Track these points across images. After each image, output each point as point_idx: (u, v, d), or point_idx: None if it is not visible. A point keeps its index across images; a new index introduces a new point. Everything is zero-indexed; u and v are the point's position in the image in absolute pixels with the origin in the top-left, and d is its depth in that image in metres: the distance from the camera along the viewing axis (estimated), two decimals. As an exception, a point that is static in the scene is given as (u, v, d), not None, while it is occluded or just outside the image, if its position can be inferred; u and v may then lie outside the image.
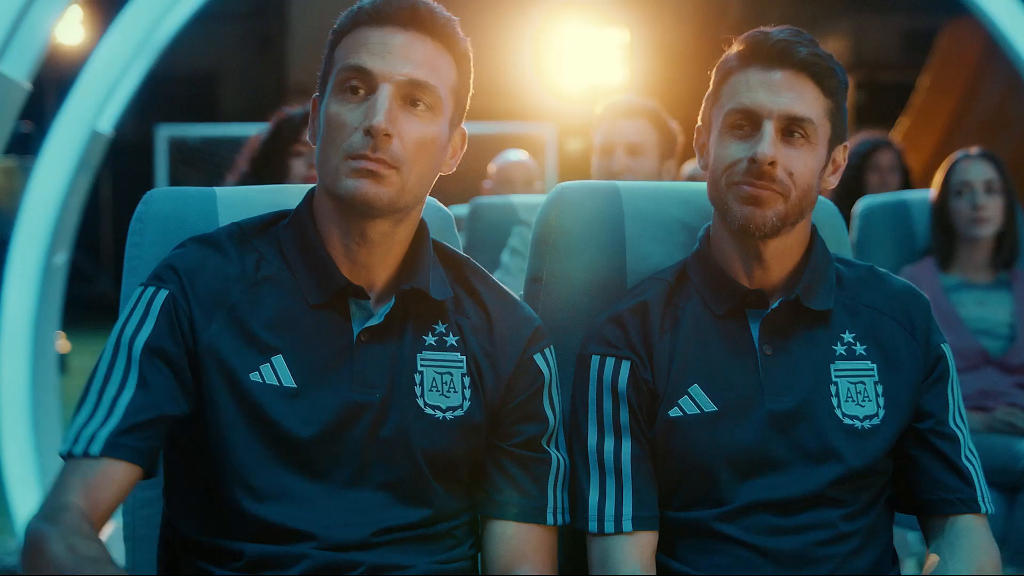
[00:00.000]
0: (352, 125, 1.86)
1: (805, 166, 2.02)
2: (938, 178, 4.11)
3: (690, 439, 2.04)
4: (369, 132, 1.85)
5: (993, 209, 4.02)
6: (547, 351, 2.02)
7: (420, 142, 1.88)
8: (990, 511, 2.08)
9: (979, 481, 2.08)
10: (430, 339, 1.96)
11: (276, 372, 1.88)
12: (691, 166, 5.47)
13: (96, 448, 1.76)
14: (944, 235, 4.07)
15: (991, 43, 4.79)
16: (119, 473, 1.77)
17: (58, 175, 4.34)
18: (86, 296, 10.04)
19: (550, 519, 1.99)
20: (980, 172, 4.05)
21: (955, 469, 2.07)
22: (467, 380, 1.96)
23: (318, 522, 1.86)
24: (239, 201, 2.13)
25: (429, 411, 1.93)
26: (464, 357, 1.97)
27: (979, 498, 2.07)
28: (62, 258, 4.52)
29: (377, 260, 1.94)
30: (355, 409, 1.89)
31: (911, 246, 4.15)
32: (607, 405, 2.07)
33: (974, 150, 4.16)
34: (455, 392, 1.95)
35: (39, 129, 4.51)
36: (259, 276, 1.92)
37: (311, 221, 1.95)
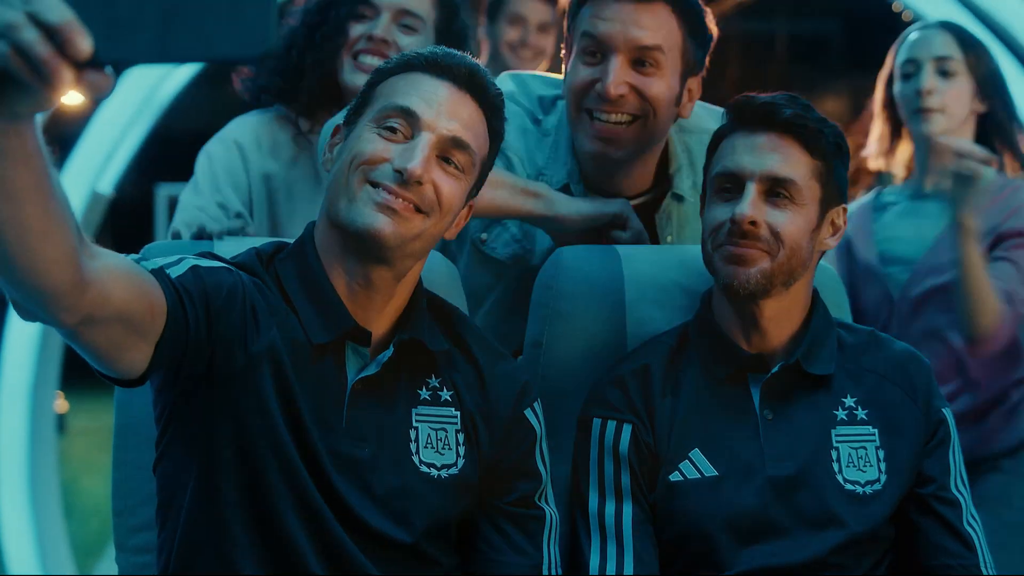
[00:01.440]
0: (383, 158, 1.85)
1: (792, 225, 2.03)
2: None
3: (691, 503, 2.04)
4: (402, 173, 1.84)
5: (945, 97, 3.04)
6: (536, 405, 2.01)
7: (447, 197, 1.87)
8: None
9: (981, 546, 2.08)
10: (424, 393, 1.94)
11: (289, 410, 1.84)
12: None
13: (152, 265, 1.75)
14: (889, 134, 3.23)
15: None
16: (156, 291, 1.71)
17: (58, 235, 4.33)
18: (85, 356, 9.99)
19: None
20: (932, 47, 3.06)
21: (957, 535, 2.07)
22: (461, 437, 1.94)
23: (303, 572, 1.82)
24: (238, 252, 2.10)
25: (424, 469, 1.90)
26: (458, 413, 1.95)
27: (981, 563, 2.06)
28: (61, 318, 4.49)
29: (378, 307, 1.91)
30: (345, 461, 1.85)
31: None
32: (608, 468, 2.06)
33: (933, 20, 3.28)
34: (449, 449, 1.93)
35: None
36: (275, 309, 1.87)
37: (315, 255, 1.91)
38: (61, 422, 7.34)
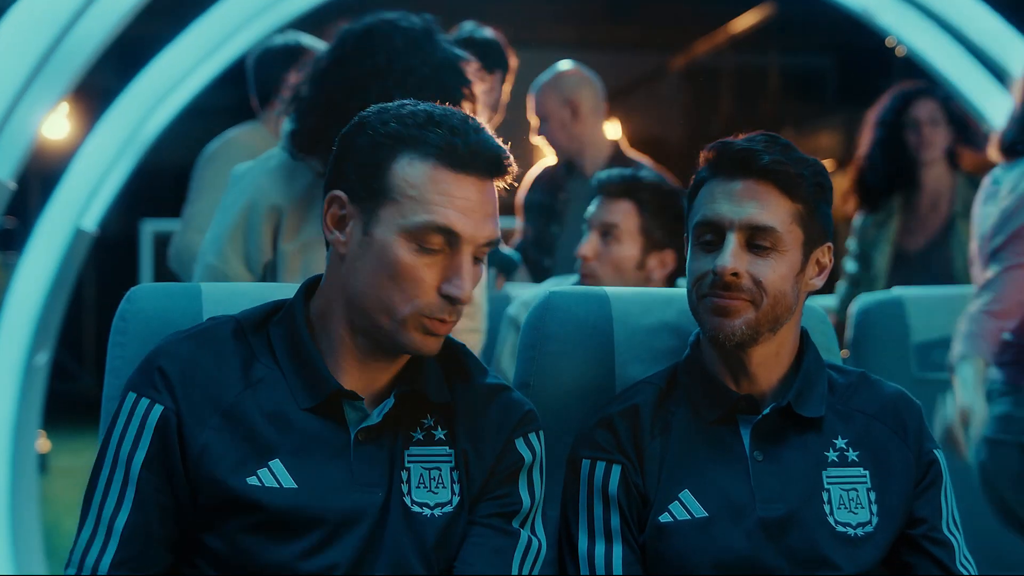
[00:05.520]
0: (429, 283, 1.82)
1: (774, 273, 2.01)
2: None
3: (680, 545, 2.02)
4: (449, 298, 1.82)
5: None
6: (532, 436, 1.98)
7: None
8: None
9: None
10: (417, 434, 1.92)
11: (275, 475, 1.83)
12: None
13: None
14: None
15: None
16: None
17: (41, 273, 4.30)
18: (68, 394, 9.95)
19: None
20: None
21: (949, 575, 2.05)
22: (456, 475, 1.92)
23: None
24: (225, 297, 2.10)
25: (416, 509, 1.88)
26: (452, 451, 1.93)
27: None
28: (44, 358, 4.46)
29: (384, 371, 1.91)
30: (357, 510, 1.85)
31: (905, 342, 4.12)
32: (598, 510, 2.05)
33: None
34: (443, 488, 1.91)
35: (22, 224, 4.47)
36: (252, 378, 1.87)
37: (304, 320, 1.90)
38: (43, 462, 7.28)
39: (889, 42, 4.92)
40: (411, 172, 1.82)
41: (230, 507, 1.83)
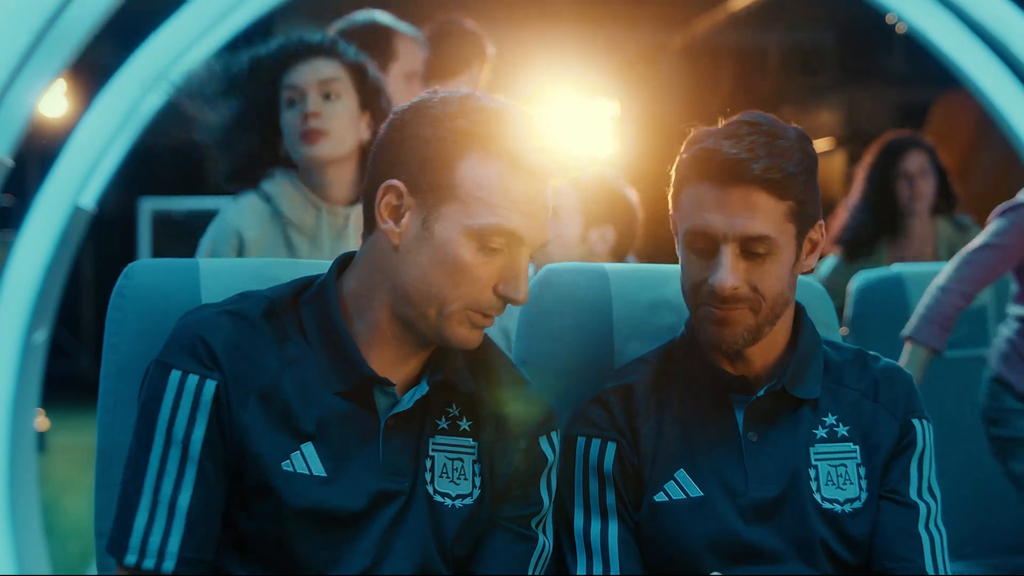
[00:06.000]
0: (485, 281, 1.81)
1: (771, 277, 1.99)
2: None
3: (675, 524, 2.02)
4: (504, 298, 1.82)
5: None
6: (553, 435, 1.97)
7: None
8: None
9: (935, 553, 2.04)
10: (443, 423, 1.91)
11: (306, 460, 1.82)
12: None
13: (169, 566, 1.76)
14: None
15: (985, 117, 4.78)
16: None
17: (39, 251, 4.29)
18: (66, 373, 9.97)
19: None
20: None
21: (910, 537, 2.04)
22: (478, 467, 1.91)
23: None
24: (223, 272, 2.08)
25: (438, 499, 1.88)
26: (476, 443, 1.92)
27: (929, 566, 2.02)
28: (42, 336, 4.45)
29: (415, 356, 1.89)
30: (384, 498, 1.84)
31: (905, 320, 4.12)
32: (593, 487, 2.05)
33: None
34: (465, 480, 1.90)
35: (20, 201, 4.46)
36: (286, 358, 1.84)
37: (337, 300, 1.87)
38: (42, 440, 7.28)
39: (889, 19, 4.91)
40: (480, 173, 1.80)
41: (264, 492, 1.81)
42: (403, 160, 1.82)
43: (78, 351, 13.22)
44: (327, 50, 3.05)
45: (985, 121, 5.02)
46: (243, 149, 3.09)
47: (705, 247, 1.98)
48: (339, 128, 3.02)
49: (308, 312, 1.87)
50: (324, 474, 1.82)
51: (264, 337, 1.84)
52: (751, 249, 1.97)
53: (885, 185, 4.75)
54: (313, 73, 3.03)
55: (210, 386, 1.80)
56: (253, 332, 1.84)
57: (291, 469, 1.81)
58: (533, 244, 1.82)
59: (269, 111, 3.06)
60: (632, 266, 2.36)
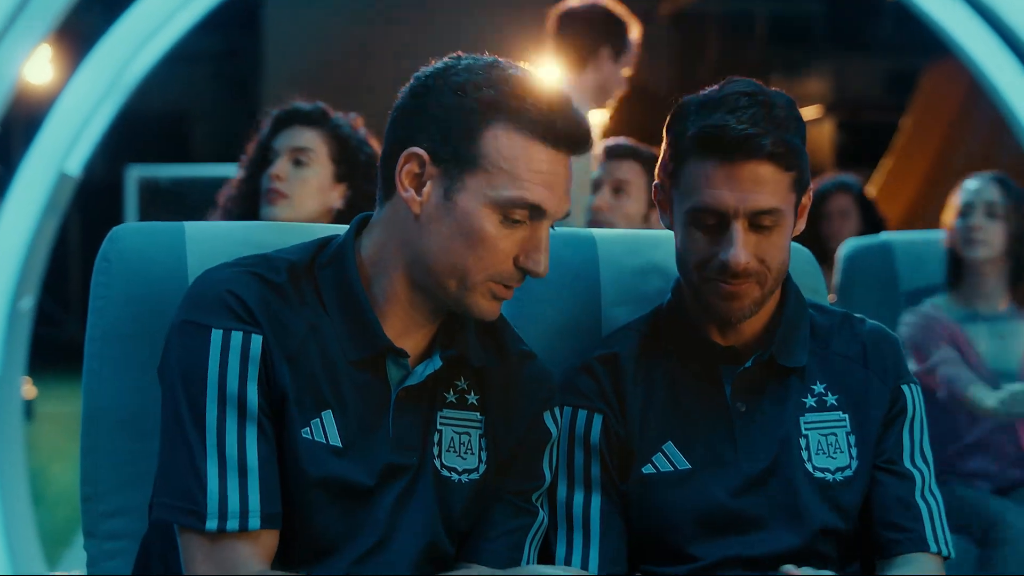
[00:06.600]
0: (506, 253, 1.78)
1: (777, 248, 1.98)
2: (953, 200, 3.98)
3: (663, 496, 2.02)
4: (524, 270, 1.80)
5: (991, 233, 3.80)
6: (557, 410, 1.97)
7: None
8: (944, 552, 2.04)
9: (934, 521, 2.04)
10: (451, 396, 1.89)
11: (324, 428, 1.79)
12: None
13: (255, 523, 1.72)
14: (952, 260, 3.89)
15: (974, 85, 4.78)
16: (271, 540, 1.75)
17: (25, 218, 4.27)
18: (53, 340, 9.95)
19: None
20: (982, 193, 3.85)
21: (907, 507, 2.04)
22: (484, 441, 1.90)
23: None
24: (209, 236, 2.06)
25: (445, 473, 1.87)
26: (483, 417, 1.90)
27: (929, 537, 2.03)
28: (28, 303, 4.44)
29: (426, 326, 1.87)
30: (393, 472, 1.83)
31: (894, 288, 4.12)
32: (578, 458, 2.04)
33: (987, 173, 3.99)
34: (472, 454, 1.89)
35: (5, 169, 4.44)
36: (308, 324, 1.81)
37: (355, 265, 1.84)
38: (29, 408, 7.27)
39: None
40: (506, 144, 1.77)
41: (286, 456, 1.78)
42: (426, 128, 1.79)
43: (65, 319, 13.21)
44: (309, 119, 3.21)
45: (974, 89, 5.03)
46: (237, 208, 3.28)
47: (714, 223, 1.96)
48: (301, 194, 3.16)
49: (326, 276, 1.84)
50: (339, 444, 1.80)
51: (290, 300, 1.81)
52: (759, 223, 1.95)
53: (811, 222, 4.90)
54: (288, 140, 3.19)
55: (256, 340, 1.75)
56: (279, 294, 1.80)
57: (310, 436, 1.78)
58: (554, 216, 1.80)
59: (258, 173, 3.24)
60: (620, 231, 2.35)
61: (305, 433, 1.78)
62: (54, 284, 8.45)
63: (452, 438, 1.88)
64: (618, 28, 4.14)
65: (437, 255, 1.79)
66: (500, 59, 1.83)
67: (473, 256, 1.77)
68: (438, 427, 1.87)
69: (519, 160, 1.77)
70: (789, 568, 1.80)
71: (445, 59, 1.84)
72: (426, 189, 1.79)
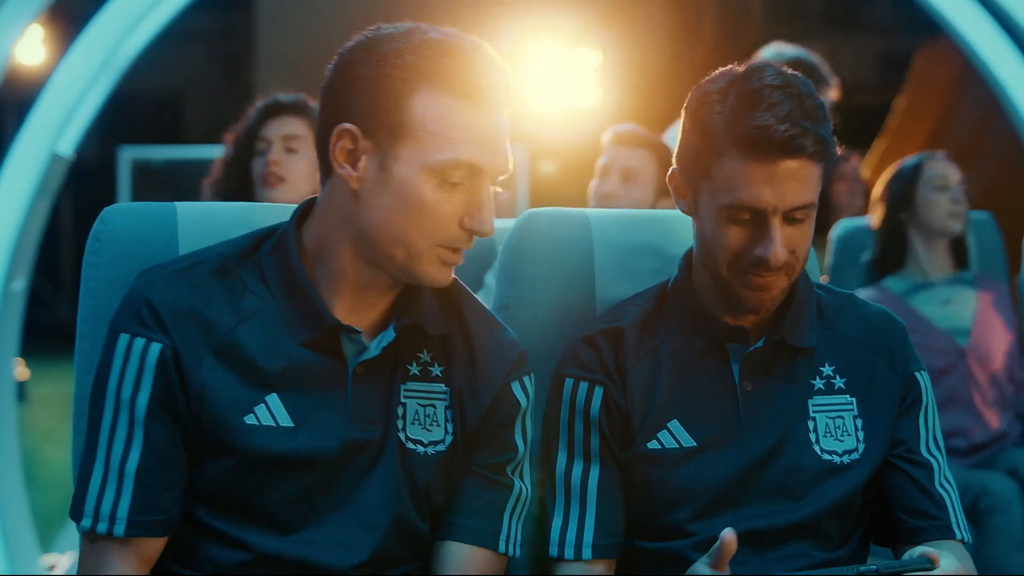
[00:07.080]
0: (450, 216, 1.78)
1: (806, 238, 1.99)
2: (887, 176, 4.13)
3: (667, 472, 2.02)
4: (471, 231, 1.79)
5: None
6: (526, 379, 1.96)
7: None
8: (967, 539, 2.05)
9: (954, 508, 2.06)
10: (414, 368, 1.89)
11: (271, 412, 1.81)
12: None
13: (120, 530, 1.77)
14: (897, 237, 4.04)
15: (968, 66, 4.77)
16: (148, 545, 1.80)
17: (17, 199, 4.26)
18: (45, 322, 9.95)
19: (502, 547, 1.93)
20: (956, 172, 4.08)
21: (928, 495, 2.05)
22: (450, 413, 1.90)
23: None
24: (200, 217, 2.06)
25: (410, 446, 1.87)
26: (448, 388, 1.90)
27: (954, 524, 2.04)
28: (20, 284, 4.43)
29: (381, 301, 1.87)
30: (355, 447, 1.83)
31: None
32: (578, 430, 2.04)
33: (939, 154, 4.20)
34: (437, 426, 1.89)
35: (-3, 150, 4.43)
36: (244, 311, 1.83)
37: (297, 249, 1.85)
38: (22, 390, 7.27)
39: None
40: (432, 107, 1.77)
41: (227, 447, 1.80)
42: (352, 102, 1.79)
43: (57, 300, 13.20)
44: (296, 109, 3.54)
45: (967, 70, 5.02)
46: (228, 191, 3.55)
47: (750, 219, 1.95)
48: (296, 178, 3.49)
49: (269, 263, 1.86)
50: (291, 424, 1.81)
51: (215, 296, 1.82)
52: (794, 216, 1.95)
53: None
54: (279, 128, 3.53)
55: (155, 349, 1.79)
56: (203, 291, 1.82)
57: (256, 422, 1.80)
58: (493, 175, 1.80)
59: (246, 159, 3.56)
60: (614, 211, 2.34)
61: (249, 419, 1.80)
62: (47, 266, 8.44)
63: (416, 411, 1.88)
64: None
65: (380, 227, 1.79)
66: (419, 24, 1.82)
67: (415, 224, 1.77)
68: (402, 400, 1.87)
69: (447, 122, 1.76)
70: (727, 531, 1.80)
71: (365, 32, 1.83)
72: (361, 164, 1.79)
